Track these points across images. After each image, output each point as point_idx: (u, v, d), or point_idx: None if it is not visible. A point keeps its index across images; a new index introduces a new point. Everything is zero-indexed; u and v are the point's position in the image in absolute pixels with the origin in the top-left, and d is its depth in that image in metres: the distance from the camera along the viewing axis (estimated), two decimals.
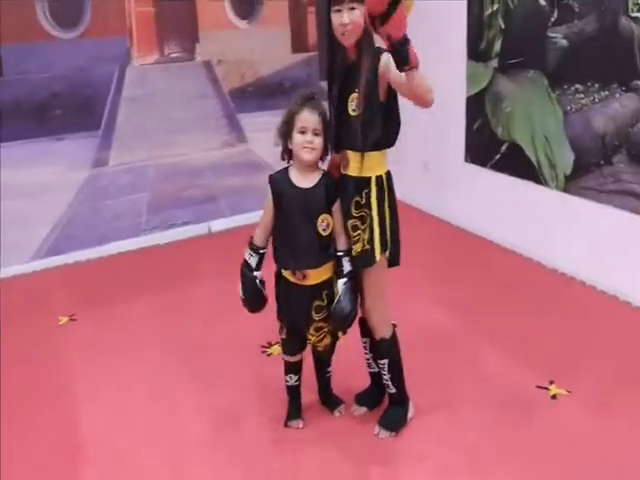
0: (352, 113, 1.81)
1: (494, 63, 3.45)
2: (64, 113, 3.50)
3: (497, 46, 3.41)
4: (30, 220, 3.49)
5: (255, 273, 1.96)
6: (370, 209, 1.86)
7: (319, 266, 1.91)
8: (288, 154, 1.91)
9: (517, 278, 3.21)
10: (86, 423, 2.23)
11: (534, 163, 3.31)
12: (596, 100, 2.91)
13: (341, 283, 1.90)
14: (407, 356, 2.09)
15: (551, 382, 2.32)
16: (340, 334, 2.04)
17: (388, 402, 2.15)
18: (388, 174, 1.89)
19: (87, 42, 3.47)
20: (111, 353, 2.66)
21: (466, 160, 3.79)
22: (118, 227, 3.78)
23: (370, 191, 1.85)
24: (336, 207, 1.89)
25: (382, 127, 1.81)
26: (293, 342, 2.07)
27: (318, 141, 1.83)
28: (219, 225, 4.05)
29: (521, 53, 3.28)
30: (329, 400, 2.23)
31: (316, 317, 1.96)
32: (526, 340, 2.62)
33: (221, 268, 3.26)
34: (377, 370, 2.12)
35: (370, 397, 2.23)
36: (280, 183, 1.91)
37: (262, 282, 1.98)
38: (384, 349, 2.03)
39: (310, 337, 2.00)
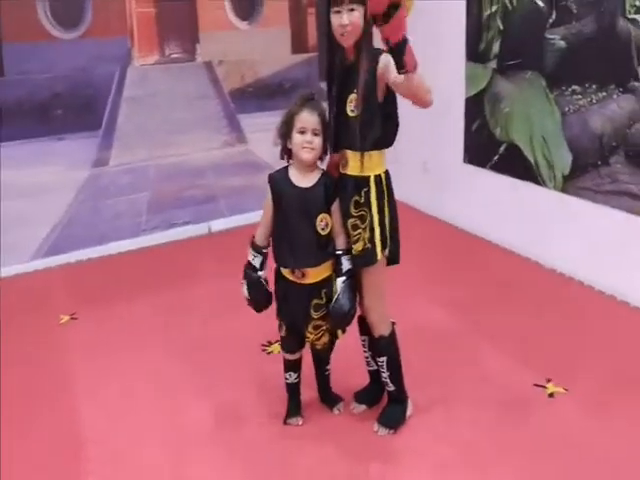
0: (350, 114, 1.82)
1: (493, 64, 3.47)
2: (65, 113, 3.51)
3: (496, 47, 3.43)
4: (30, 220, 3.50)
5: (259, 273, 1.98)
6: (370, 208, 1.87)
7: (318, 265, 1.92)
8: (287, 154, 1.92)
9: (516, 278, 3.22)
10: (87, 422, 2.24)
11: (532, 164, 3.32)
12: (594, 101, 2.92)
13: (340, 282, 1.92)
14: (406, 355, 2.10)
15: (548, 380, 2.34)
16: (339, 333, 2.05)
17: (387, 400, 2.16)
18: (387, 173, 1.91)
19: (88, 42, 3.48)
20: (112, 352, 2.67)
21: (465, 161, 3.80)
22: (118, 227, 3.79)
23: (369, 190, 1.86)
24: (335, 207, 1.91)
25: (381, 127, 1.82)
26: (292, 340, 2.08)
27: (317, 141, 1.85)
28: (219, 225, 4.07)
29: (519, 54, 3.29)
30: (328, 398, 2.24)
31: (315, 315, 1.97)
32: (524, 339, 2.63)
33: (221, 268, 3.30)
34: (376, 368, 2.13)
35: (369, 395, 2.24)
36: (280, 182, 1.92)
37: (266, 281, 2.00)
38: (383, 347, 2.04)
39: (309, 335, 2.01)
